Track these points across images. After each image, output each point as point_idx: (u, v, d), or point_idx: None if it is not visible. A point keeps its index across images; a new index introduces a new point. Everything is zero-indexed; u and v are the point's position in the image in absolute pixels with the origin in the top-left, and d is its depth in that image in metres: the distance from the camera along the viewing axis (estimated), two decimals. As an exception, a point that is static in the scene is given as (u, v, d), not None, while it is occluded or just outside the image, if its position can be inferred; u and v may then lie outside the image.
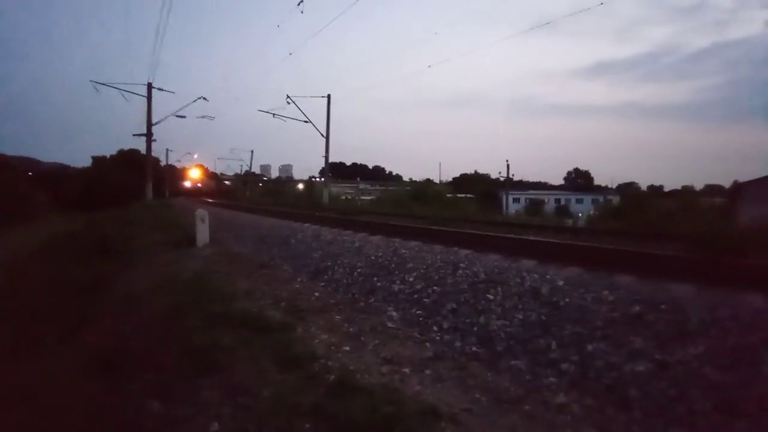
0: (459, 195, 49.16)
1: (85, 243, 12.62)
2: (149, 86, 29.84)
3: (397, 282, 5.72)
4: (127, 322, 5.05)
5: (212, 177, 79.31)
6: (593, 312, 3.90)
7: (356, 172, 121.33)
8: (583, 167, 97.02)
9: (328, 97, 30.76)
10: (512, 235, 8.74)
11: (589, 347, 3.53)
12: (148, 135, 30.33)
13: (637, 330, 3.52)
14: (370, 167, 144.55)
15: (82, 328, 5.22)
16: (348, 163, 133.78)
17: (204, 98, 31.49)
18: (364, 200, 49.09)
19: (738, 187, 33.56)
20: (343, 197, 50.97)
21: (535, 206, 51.06)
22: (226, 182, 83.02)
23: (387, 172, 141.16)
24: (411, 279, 5.68)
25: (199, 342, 3.85)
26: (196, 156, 64.25)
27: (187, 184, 67.38)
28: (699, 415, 2.74)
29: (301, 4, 18.75)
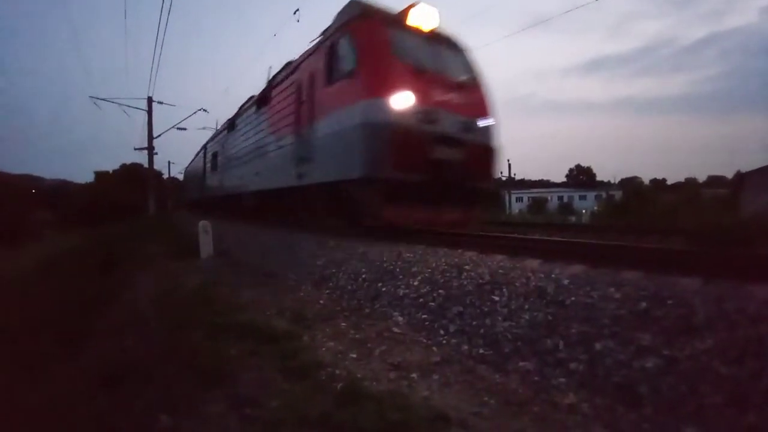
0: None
1: (88, 258, 12.65)
2: (149, 100, 30.04)
3: (402, 286, 5.69)
4: (132, 336, 5.04)
5: None
6: (600, 310, 3.86)
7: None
8: (584, 164, 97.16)
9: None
10: (516, 235, 8.72)
11: (597, 345, 3.50)
12: (150, 148, 30.56)
13: (644, 326, 3.48)
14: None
15: (87, 344, 5.22)
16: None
17: (204, 110, 31.94)
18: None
19: (741, 177, 33.49)
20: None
21: (538, 205, 51.04)
22: None
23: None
24: (416, 283, 5.64)
25: (204, 354, 3.84)
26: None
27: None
28: (710, 409, 2.71)
29: (297, 12, 18.79)
